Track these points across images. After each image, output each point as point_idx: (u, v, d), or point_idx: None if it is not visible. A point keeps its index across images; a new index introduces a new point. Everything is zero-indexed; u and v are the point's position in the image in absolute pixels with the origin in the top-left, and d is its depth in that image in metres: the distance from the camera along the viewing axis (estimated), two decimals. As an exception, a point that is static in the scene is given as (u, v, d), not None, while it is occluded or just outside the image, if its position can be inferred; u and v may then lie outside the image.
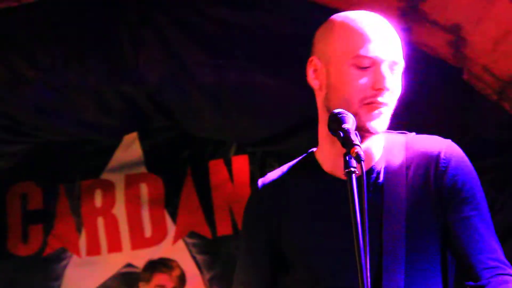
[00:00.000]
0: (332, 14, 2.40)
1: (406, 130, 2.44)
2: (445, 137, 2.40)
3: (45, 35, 5.07)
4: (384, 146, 2.37)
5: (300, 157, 2.46)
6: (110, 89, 5.22)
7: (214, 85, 5.02)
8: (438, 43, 4.74)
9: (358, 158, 2.04)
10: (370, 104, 2.25)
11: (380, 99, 2.25)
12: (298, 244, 2.35)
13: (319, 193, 2.34)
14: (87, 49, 5.05)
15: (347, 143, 2.09)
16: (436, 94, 4.84)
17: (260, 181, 2.46)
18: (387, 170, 2.32)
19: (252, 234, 2.45)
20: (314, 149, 2.42)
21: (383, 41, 2.27)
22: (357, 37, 2.26)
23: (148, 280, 5.48)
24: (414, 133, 2.42)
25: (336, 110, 2.19)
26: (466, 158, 2.35)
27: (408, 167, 2.32)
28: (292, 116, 5.03)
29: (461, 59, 4.76)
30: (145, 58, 5.02)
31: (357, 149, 2.06)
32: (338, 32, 2.30)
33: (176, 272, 5.50)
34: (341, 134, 2.12)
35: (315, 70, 2.35)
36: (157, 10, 4.98)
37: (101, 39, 5.03)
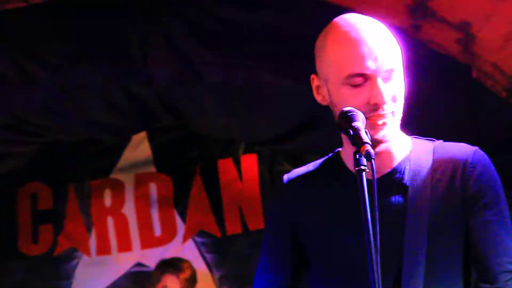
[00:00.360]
0: (341, 12, 2.39)
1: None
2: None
3: (53, 35, 5.08)
4: (411, 149, 2.38)
5: (326, 156, 2.47)
6: (118, 89, 5.22)
7: (222, 85, 5.02)
8: (447, 40, 4.74)
9: (368, 156, 2.04)
10: (372, 118, 2.24)
11: (380, 112, 2.25)
12: (319, 241, 2.36)
13: (342, 191, 2.35)
14: (95, 49, 5.05)
15: (356, 141, 2.09)
16: (444, 91, 4.83)
17: (286, 177, 2.48)
18: (412, 172, 2.33)
19: (275, 228, 2.47)
20: (340, 149, 2.43)
21: (374, 53, 2.24)
22: (347, 56, 2.25)
23: (157, 281, 5.48)
24: (441, 140, 2.42)
25: (346, 108, 2.19)
26: (492, 166, 2.36)
27: (434, 171, 2.33)
28: (301, 115, 5.03)
29: (470, 56, 4.75)
30: (153, 58, 5.03)
31: (367, 147, 2.06)
32: (329, 52, 2.29)
33: (184, 274, 5.48)
34: (351, 133, 2.12)
35: (317, 87, 2.36)
36: (165, 10, 4.98)
37: (109, 39, 5.04)
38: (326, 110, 2.43)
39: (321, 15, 4.52)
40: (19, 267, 6.14)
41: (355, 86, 2.24)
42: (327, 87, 2.31)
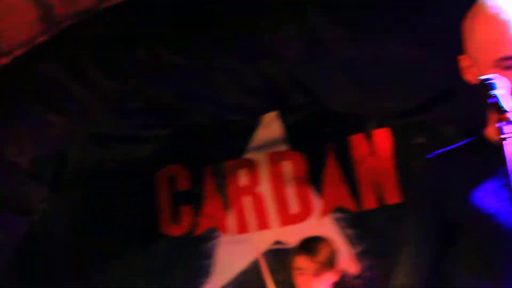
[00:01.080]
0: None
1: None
2: None
3: (186, 20, 5.17)
4: None
5: (470, 138, 2.45)
6: (249, 69, 5.28)
7: (352, 60, 5.00)
8: None
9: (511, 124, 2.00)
10: None
11: None
12: (469, 216, 2.33)
13: (489, 167, 2.30)
14: (228, 31, 5.11)
15: (497, 110, 2.05)
16: None
17: (430, 155, 2.46)
18: None
19: (422, 207, 2.46)
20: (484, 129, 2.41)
21: None
22: (497, 39, 2.23)
23: (292, 261, 5.43)
24: None
25: (484, 76, 2.14)
26: None
27: None
28: (433, 86, 4.96)
29: None
30: (283, 36, 5.05)
31: (508, 115, 2.02)
32: (478, 34, 2.28)
33: (319, 257, 5.28)
34: (490, 101, 2.08)
35: (467, 67, 2.35)
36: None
37: (239, 21, 5.09)
38: (462, 80, 2.41)
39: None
40: (162, 248, 6.30)
41: (507, 68, 2.22)
42: (476, 68, 2.29)
